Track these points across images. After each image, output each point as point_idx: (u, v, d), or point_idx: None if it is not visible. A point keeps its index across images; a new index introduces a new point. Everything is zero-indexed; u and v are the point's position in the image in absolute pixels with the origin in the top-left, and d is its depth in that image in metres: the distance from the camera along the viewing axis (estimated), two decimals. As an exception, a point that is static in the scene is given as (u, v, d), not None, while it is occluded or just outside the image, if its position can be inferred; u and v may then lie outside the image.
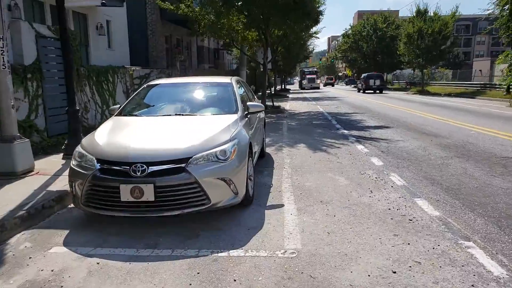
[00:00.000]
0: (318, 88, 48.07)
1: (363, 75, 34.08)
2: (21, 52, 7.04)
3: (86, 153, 3.69)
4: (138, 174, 3.42)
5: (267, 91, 18.31)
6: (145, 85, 5.42)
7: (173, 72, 15.74)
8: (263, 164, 6.38)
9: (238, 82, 5.56)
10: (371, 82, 30.40)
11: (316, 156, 6.94)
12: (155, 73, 13.68)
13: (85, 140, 4.00)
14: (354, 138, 8.84)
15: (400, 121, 11.74)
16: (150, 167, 3.44)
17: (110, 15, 13.25)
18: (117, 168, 3.48)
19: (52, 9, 10.10)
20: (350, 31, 43.41)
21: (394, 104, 19.06)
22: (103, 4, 5.51)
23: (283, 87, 47.57)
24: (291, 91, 43.84)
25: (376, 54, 39.57)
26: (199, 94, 5.19)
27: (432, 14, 25.99)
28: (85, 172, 3.56)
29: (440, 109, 15.70)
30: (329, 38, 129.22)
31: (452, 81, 39.24)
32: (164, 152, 3.55)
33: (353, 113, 14.96)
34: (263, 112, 6.99)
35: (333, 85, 63.85)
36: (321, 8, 13.24)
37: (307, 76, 48.74)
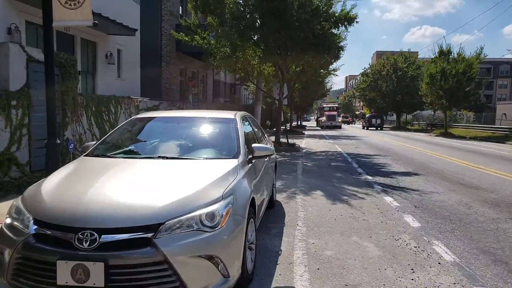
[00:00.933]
0: (340, 127, 40.86)
1: (367, 115, 45.61)
2: (7, 77, 6.35)
3: (24, 209, 2.69)
4: (85, 245, 2.37)
5: (282, 127, 17.42)
6: (133, 117, 4.50)
7: (185, 105, 15.11)
8: (271, 217, 5.25)
9: (244, 118, 4.58)
10: (373, 121, 41.09)
11: (336, 210, 5.77)
12: (164, 105, 13.01)
13: (28, 191, 2.99)
14: (380, 187, 7.64)
15: (429, 168, 10.47)
16: (102, 236, 2.39)
17: (122, 44, 12.87)
18: (57, 235, 2.45)
19: (58, 35, 9.65)
20: (369, 70, 42.95)
21: (419, 146, 17.77)
22: (95, 25, 4.88)
23: (299, 124, 46.93)
24: (307, 128, 43.02)
25: (396, 93, 38.63)
26: (194, 132, 4.22)
27: (455, 55, 25.14)
28: (15, 237, 2.53)
29: (472, 154, 14.33)
30: (346, 77, 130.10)
31: (473, 124, 37.62)
32: (124, 215, 2.50)
33: (375, 155, 13.76)
34: (274, 152, 5.99)
35: (349, 124, 62.80)
36: (342, 44, 12.55)
37: (327, 113, 42.62)
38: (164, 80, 16.82)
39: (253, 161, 3.85)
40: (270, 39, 11.40)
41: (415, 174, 9.35)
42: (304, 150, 15.18)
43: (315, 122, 51.98)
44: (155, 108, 12.03)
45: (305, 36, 11.00)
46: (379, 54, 71.57)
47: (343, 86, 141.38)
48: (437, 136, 27.69)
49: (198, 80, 21.15)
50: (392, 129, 42.05)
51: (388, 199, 6.58)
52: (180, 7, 17.14)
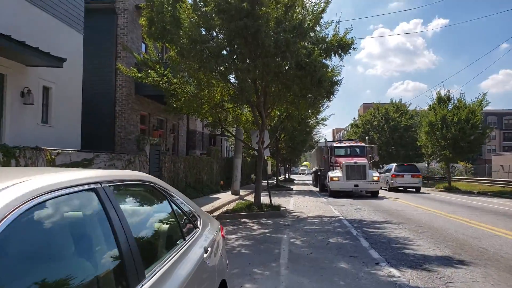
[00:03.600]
0: (377, 193, 19.08)
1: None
2: None
3: None
4: None
5: (263, 183, 14.19)
6: None
7: (140, 159, 11.88)
8: None
9: (61, 201, 1.30)
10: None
11: None
12: (103, 159, 9.73)
13: None
14: (425, 301, 4.27)
15: (473, 247, 7.17)
16: None
17: (50, 80, 9.91)
18: None
19: None
20: (359, 121, 40.96)
21: (430, 206, 14.59)
22: None
23: (286, 177, 43.91)
24: (295, 182, 39.78)
25: (389, 145, 36.26)
26: None
27: (456, 101, 23.06)
28: None
29: (510, 219, 11.15)
30: (333, 130, 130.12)
31: (473, 177, 35.12)
32: None
33: (384, 222, 10.45)
34: (219, 242, 2.72)
35: None
36: (338, 78, 9.80)
37: (345, 161, 18.91)
38: (119, 129, 13.73)
39: None
40: (241, 72, 8.59)
41: (462, 263, 6.02)
42: (291, 215, 11.79)
43: (313, 178, 31.12)
44: (85, 164, 8.75)
45: (286, 65, 8.24)
46: (366, 107, 71.02)
47: (330, 138, 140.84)
48: (441, 191, 24.72)
49: (167, 129, 18.17)
50: (387, 182, 39.07)
51: None
52: (143, 44, 14.68)
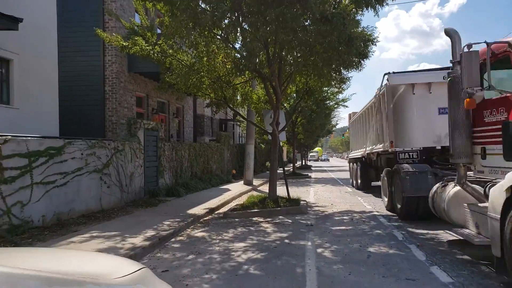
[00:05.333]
0: None
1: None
2: None
3: None
4: None
5: (279, 170, 12.21)
6: None
7: (132, 146, 10.02)
8: None
9: None
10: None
11: None
12: (81, 147, 7.88)
13: None
14: None
15: None
16: None
17: (10, 49, 8.06)
18: None
19: None
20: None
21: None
22: None
23: (303, 164, 41.88)
24: (313, 168, 37.64)
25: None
26: None
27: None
28: None
29: None
30: (349, 115, 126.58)
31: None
32: None
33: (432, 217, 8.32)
34: None
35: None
36: (373, 36, 7.54)
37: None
38: (109, 112, 11.90)
39: None
40: (249, 27, 6.50)
41: None
42: (314, 211, 9.78)
43: (354, 174, 15.52)
44: (52, 154, 6.90)
45: (307, 17, 6.08)
46: (385, 88, 67.60)
47: (345, 123, 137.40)
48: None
49: (169, 113, 16.29)
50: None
51: None
52: (137, 14, 12.65)
